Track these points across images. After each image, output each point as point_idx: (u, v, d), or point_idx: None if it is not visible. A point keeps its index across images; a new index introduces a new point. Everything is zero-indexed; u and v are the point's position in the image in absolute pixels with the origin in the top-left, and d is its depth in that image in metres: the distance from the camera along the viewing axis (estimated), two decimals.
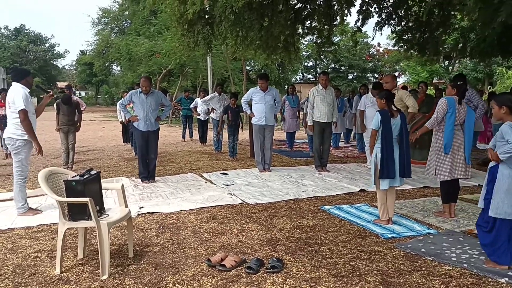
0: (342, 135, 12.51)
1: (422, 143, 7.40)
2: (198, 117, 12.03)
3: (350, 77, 45.10)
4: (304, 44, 35.09)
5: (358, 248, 4.06)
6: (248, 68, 31.59)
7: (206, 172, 7.94)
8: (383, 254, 3.91)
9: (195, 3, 6.26)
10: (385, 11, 10.58)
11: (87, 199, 3.43)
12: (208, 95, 12.08)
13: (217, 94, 10.75)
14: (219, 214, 5.26)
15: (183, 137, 14.07)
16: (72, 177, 3.67)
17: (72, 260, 3.86)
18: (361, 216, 5.06)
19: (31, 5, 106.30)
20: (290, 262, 3.73)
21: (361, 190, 6.43)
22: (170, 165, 8.97)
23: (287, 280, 3.39)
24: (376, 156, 4.64)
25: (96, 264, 3.74)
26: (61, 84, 59.01)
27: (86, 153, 11.08)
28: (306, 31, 11.52)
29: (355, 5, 10.32)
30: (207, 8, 7.98)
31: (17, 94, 5.18)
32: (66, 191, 3.60)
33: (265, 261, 3.68)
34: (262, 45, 9.31)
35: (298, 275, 3.47)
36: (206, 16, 8.65)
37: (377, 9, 10.38)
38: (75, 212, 3.61)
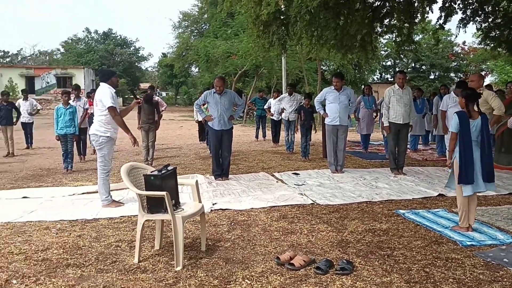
0: (421, 137, 11.95)
1: (509, 147, 6.87)
2: (271, 117, 12.13)
3: (432, 77, 43.02)
4: (382, 42, 33.99)
5: (433, 254, 3.87)
6: (323, 68, 31.27)
7: (278, 172, 7.99)
8: (460, 262, 3.69)
9: (270, 4, 6.33)
10: (470, 7, 9.97)
11: (164, 193, 3.60)
12: (279, 95, 12.18)
13: (287, 95, 10.77)
14: (289, 213, 5.27)
15: (256, 136, 14.28)
16: (151, 172, 3.88)
17: (150, 251, 4.08)
18: (438, 221, 4.81)
19: (118, 10, 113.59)
20: (361, 265, 3.65)
21: (440, 194, 6.11)
22: (242, 164, 9.14)
23: (357, 283, 3.32)
24: (455, 160, 4.39)
25: (171, 255, 3.91)
26: (144, 85, 62.46)
27: (165, 151, 11.62)
28: (385, 29, 11.18)
29: (437, 2, 9.84)
30: (282, 9, 8.04)
31: (104, 93, 5.57)
32: (145, 185, 3.81)
33: (334, 263, 3.63)
34: (336, 44, 9.19)
35: (369, 279, 3.38)
36: (281, 17, 8.72)
37: (461, 6, 9.80)
38: (153, 205, 3.81)
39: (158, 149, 11.06)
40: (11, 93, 32.20)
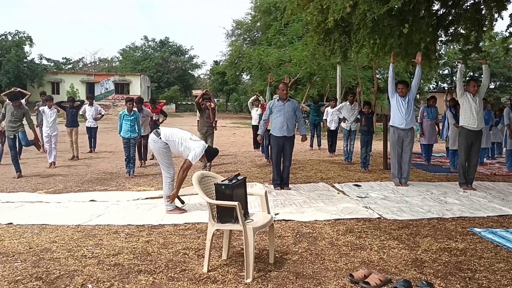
0: (489, 150, 11.35)
1: None
2: (328, 126, 11.95)
3: (492, 86, 41.01)
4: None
5: None
6: (377, 76, 30.62)
7: (338, 183, 7.80)
8: None
9: (336, 12, 6.20)
10: None
11: (235, 203, 3.55)
12: (337, 103, 11.97)
13: (347, 103, 10.54)
14: (355, 227, 5.09)
15: (311, 145, 14.09)
16: (222, 181, 3.85)
17: (217, 260, 4.04)
18: None
19: (174, 18, 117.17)
20: (441, 287, 3.42)
21: None
22: (300, 173, 9.01)
23: None
24: None
25: (239, 266, 3.85)
26: (196, 92, 63.83)
27: (220, 158, 11.69)
28: (450, 37, 10.75)
29: (507, 9, 9.33)
30: (345, 16, 7.88)
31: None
32: (216, 194, 3.79)
33: (412, 283, 3.43)
34: (401, 52, 8.89)
35: None
36: (343, 24, 8.56)
37: None
38: (223, 215, 3.77)
39: None
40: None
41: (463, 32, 10.33)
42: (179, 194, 5.86)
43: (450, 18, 10.14)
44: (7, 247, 4.35)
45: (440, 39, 10.88)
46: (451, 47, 29.92)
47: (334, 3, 6.19)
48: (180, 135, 5.68)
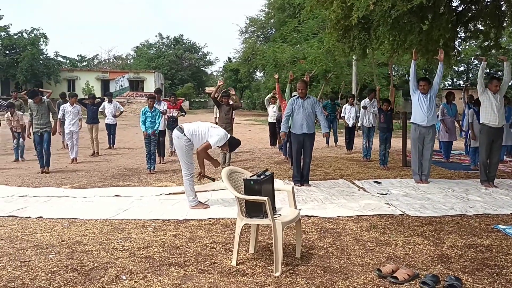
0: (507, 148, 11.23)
1: None
2: (346, 124, 11.95)
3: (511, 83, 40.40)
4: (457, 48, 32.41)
5: None
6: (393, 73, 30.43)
7: (358, 180, 7.82)
8: None
9: (360, 9, 6.22)
10: None
11: (265, 198, 3.62)
12: (354, 100, 11.99)
13: (368, 100, 10.53)
14: (379, 223, 5.13)
15: (327, 142, 14.09)
16: (250, 177, 3.92)
17: (244, 254, 4.11)
18: None
19: (187, 16, 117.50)
20: (469, 283, 3.45)
21: None
22: (319, 170, 9.05)
23: None
24: None
25: (267, 260, 3.93)
26: (209, 89, 64.00)
27: (238, 154, 11.78)
28: (469, 34, 10.68)
29: None
30: (367, 14, 7.87)
31: (218, 132, 5.74)
32: (244, 189, 3.85)
33: (440, 279, 3.47)
34: (421, 49, 8.85)
35: None
36: (363, 21, 8.55)
37: None
38: (251, 210, 3.84)
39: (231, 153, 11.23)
40: (87, 96, 34.25)
41: (483, 28, 10.26)
42: (199, 190, 5.96)
43: (470, 14, 10.06)
44: (40, 240, 4.48)
45: (459, 35, 10.81)
46: (468, 44, 29.66)
47: (358, 1, 6.20)
48: (203, 127, 5.81)
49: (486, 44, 10.21)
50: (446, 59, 10.05)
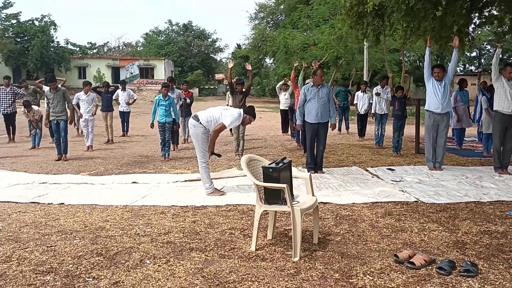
0: None
1: None
2: (358, 111, 11.95)
3: None
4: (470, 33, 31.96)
5: None
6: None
7: (371, 167, 7.87)
8: None
9: None
10: None
11: (284, 185, 3.71)
12: (367, 87, 11.97)
13: (380, 87, 10.52)
14: (394, 210, 5.19)
15: (339, 129, 14.10)
16: (269, 164, 4.00)
17: (263, 240, 4.22)
18: None
19: (198, 2, 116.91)
20: (485, 268, 3.52)
21: None
22: (331, 157, 9.10)
23: (485, 286, 3.21)
24: None
25: (285, 245, 4.02)
26: (218, 76, 64.00)
27: (250, 142, 11.86)
28: (483, 20, 10.57)
29: None
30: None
31: (232, 113, 5.90)
32: (263, 176, 3.94)
33: (456, 264, 3.54)
34: (434, 36, 8.80)
35: (497, 283, 3.26)
36: (377, 7, 8.51)
37: None
38: (270, 197, 3.93)
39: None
40: (98, 83, 34.46)
41: (497, 14, 10.15)
42: (214, 178, 6.08)
43: (484, 0, 9.96)
44: (63, 226, 4.62)
45: (473, 21, 10.71)
46: (480, 30, 29.20)
47: None
48: (216, 112, 5.96)
49: (500, 30, 10.11)
50: (460, 46, 9.99)
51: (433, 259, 3.63)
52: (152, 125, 9.08)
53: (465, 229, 4.50)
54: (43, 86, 11.30)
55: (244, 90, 9.43)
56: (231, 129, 10.01)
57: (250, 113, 6.04)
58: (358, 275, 3.41)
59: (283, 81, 12.75)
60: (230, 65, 10.02)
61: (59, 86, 9.17)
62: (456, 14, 8.77)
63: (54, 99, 8.71)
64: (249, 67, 9.46)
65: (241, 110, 6.05)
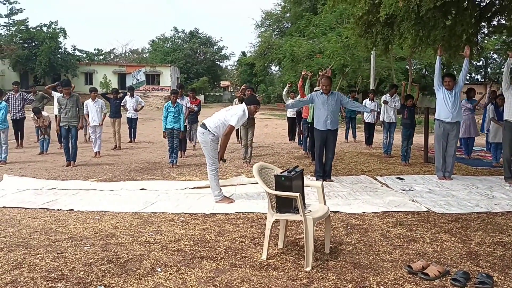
0: None
1: None
2: (366, 119, 11.92)
3: None
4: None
5: None
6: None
7: (380, 176, 7.83)
8: None
9: (388, 6, 6.20)
10: None
11: (297, 194, 3.68)
12: (375, 96, 11.94)
13: (388, 96, 10.50)
14: (405, 220, 5.15)
15: (346, 137, 14.08)
16: (281, 173, 3.98)
17: (274, 249, 4.18)
18: None
19: (203, 9, 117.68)
20: (500, 280, 3.47)
21: None
22: (339, 165, 9.06)
23: None
24: None
25: (296, 255, 3.99)
26: (223, 83, 64.19)
27: (257, 149, 11.84)
28: (492, 29, 10.57)
29: None
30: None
31: (237, 112, 5.88)
32: (275, 185, 3.91)
33: (471, 276, 3.49)
34: (444, 44, 8.79)
35: None
36: (386, 16, 8.52)
37: None
38: (281, 205, 3.91)
39: None
40: (104, 89, 34.62)
41: (507, 23, 10.14)
42: (223, 185, 6.06)
43: (494, 9, 9.95)
44: (73, 232, 4.61)
45: (482, 31, 10.71)
46: (488, 39, 29.16)
47: None
48: (221, 116, 5.97)
49: (510, 39, 10.08)
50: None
51: (447, 271, 3.59)
52: (164, 134, 9.00)
53: (477, 239, 4.46)
54: (53, 92, 11.37)
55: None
56: (239, 137, 9.97)
57: (252, 102, 6.03)
58: (372, 286, 3.37)
59: (287, 86, 12.74)
60: (244, 86, 10.06)
61: (72, 92, 9.22)
62: (465, 23, 8.77)
63: (67, 105, 8.75)
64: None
65: (243, 104, 6.01)
